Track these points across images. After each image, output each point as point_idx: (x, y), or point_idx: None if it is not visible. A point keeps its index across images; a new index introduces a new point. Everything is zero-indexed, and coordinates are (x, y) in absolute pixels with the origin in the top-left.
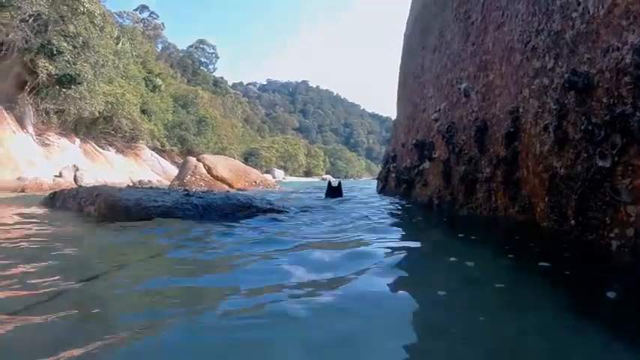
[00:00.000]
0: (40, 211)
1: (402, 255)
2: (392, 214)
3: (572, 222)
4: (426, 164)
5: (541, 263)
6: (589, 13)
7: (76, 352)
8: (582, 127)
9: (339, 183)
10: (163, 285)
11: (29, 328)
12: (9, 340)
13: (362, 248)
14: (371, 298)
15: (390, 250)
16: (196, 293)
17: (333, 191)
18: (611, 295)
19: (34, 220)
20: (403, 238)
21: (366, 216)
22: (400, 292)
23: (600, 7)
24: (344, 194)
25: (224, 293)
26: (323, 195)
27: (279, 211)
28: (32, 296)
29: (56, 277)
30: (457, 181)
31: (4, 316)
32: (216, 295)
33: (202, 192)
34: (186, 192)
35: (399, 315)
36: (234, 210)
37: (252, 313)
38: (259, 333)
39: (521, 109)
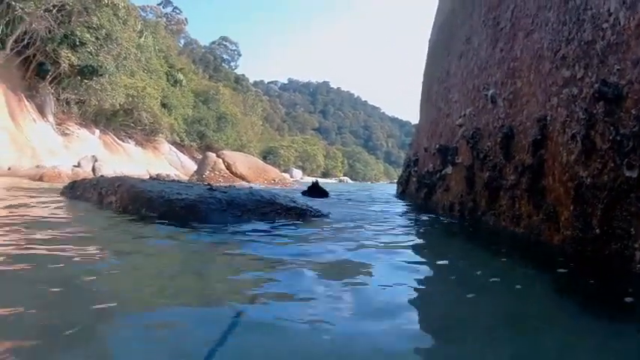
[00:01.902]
0: (60, 200)
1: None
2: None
3: (597, 231)
4: (449, 169)
5: None
6: (620, 24)
7: None
8: (610, 137)
9: (316, 181)
10: None
11: None
12: None
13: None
14: None
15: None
16: None
17: (315, 190)
18: None
19: (58, 212)
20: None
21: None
22: None
23: (631, 18)
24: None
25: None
26: (338, 197)
27: (304, 210)
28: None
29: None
30: (480, 187)
31: None
32: None
33: (225, 187)
34: (209, 186)
35: None
36: (257, 206)
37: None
38: None
39: (549, 118)
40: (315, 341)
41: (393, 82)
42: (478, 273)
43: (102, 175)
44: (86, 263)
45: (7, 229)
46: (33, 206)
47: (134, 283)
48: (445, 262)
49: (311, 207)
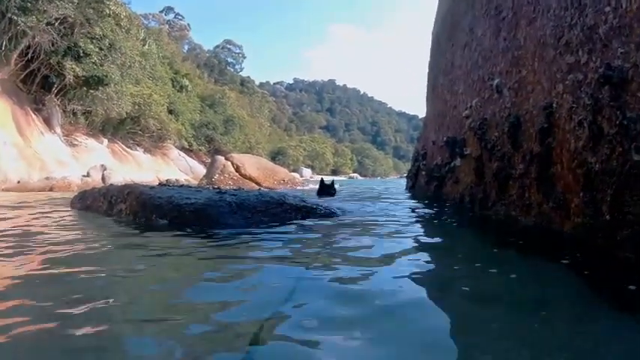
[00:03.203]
0: (69, 209)
1: None
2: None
3: (607, 217)
4: (458, 161)
5: None
6: (622, 6)
7: None
8: (617, 122)
9: (332, 182)
10: None
11: None
12: None
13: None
14: None
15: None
16: None
17: (325, 189)
18: None
19: (67, 223)
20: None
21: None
22: None
23: (633, 0)
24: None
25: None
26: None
27: (313, 208)
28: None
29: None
30: (490, 178)
31: None
32: None
33: (234, 189)
34: (218, 189)
35: None
36: (267, 207)
37: None
38: None
39: (555, 105)
40: None
41: (400, 76)
42: (493, 268)
43: (111, 184)
44: (94, 275)
45: (16, 242)
46: (42, 217)
47: (143, 295)
48: (459, 257)
49: (321, 205)
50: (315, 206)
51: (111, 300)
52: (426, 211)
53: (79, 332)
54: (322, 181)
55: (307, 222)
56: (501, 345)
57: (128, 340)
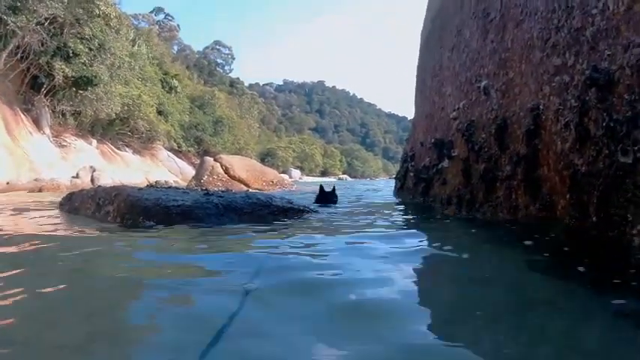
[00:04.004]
0: (57, 212)
1: None
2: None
3: (594, 219)
4: (445, 163)
5: None
6: (609, 9)
7: None
8: (604, 124)
9: (334, 188)
10: None
11: None
12: None
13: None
14: None
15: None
16: None
17: (326, 197)
18: None
19: (54, 222)
20: None
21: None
22: None
23: (620, 3)
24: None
25: None
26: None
27: (301, 210)
28: None
29: None
30: (477, 180)
31: None
32: None
33: (222, 191)
34: (205, 191)
35: None
36: (254, 209)
37: None
38: None
39: (541, 107)
40: None
41: (389, 78)
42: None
43: (99, 185)
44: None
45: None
46: (29, 220)
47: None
48: (448, 256)
49: (307, 207)
50: (302, 208)
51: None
52: (409, 213)
53: None
54: (322, 187)
55: (293, 223)
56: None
57: None
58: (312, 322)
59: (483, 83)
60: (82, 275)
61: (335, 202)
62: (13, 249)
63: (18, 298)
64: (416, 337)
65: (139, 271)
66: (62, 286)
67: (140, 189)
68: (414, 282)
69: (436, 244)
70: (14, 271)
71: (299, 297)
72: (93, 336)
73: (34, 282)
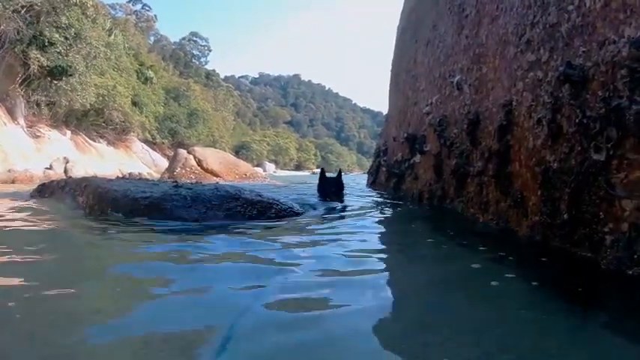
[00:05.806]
0: (27, 203)
1: None
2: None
3: (565, 216)
4: (417, 158)
5: None
6: (585, 5)
7: None
8: (577, 121)
9: (339, 173)
10: None
11: None
12: None
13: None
14: None
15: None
16: None
17: (325, 187)
18: None
19: (21, 215)
20: None
21: None
22: None
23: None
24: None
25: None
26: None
27: (269, 203)
28: None
29: None
30: (448, 175)
31: None
32: None
33: (191, 183)
34: (175, 183)
35: None
36: (222, 201)
37: None
38: None
39: (514, 103)
40: None
41: (365, 73)
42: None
43: (70, 176)
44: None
45: None
46: None
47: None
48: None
49: (278, 200)
50: (272, 201)
51: None
52: (380, 207)
53: None
54: (323, 172)
55: (261, 218)
56: None
57: None
58: None
59: (457, 78)
60: None
61: (339, 198)
62: None
63: None
64: None
65: None
66: None
67: (110, 180)
68: None
69: None
70: None
71: None
72: None
73: None
